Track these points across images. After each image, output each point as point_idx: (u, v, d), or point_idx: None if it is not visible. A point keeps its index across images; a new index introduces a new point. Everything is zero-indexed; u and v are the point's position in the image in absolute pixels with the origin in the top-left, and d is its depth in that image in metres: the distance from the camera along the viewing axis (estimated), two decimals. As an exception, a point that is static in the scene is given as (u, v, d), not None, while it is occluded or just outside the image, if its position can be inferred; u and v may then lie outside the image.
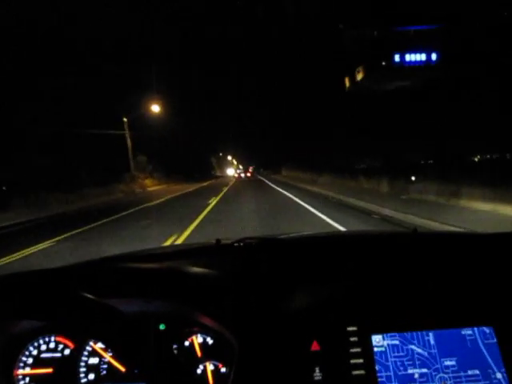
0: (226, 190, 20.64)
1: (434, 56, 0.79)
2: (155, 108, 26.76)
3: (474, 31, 0.94)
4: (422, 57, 0.79)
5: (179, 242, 5.33)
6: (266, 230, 5.62)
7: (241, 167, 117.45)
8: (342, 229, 5.65)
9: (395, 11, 0.82)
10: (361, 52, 0.85)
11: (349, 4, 0.84)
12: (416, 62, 0.79)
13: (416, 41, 0.80)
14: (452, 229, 4.77)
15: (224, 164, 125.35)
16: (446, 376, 0.76)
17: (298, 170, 31.01)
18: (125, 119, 26.08)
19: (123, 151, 27.08)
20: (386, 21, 0.83)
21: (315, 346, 0.76)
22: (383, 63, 0.80)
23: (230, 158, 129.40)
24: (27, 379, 0.91)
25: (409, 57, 0.79)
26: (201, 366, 0.89)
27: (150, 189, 29.28)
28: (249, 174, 59.73)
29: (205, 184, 32.48)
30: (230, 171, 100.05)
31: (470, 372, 0.77)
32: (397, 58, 0.78)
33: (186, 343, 0.91)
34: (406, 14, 0.81)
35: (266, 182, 29.63)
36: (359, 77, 0.86)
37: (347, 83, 0.92)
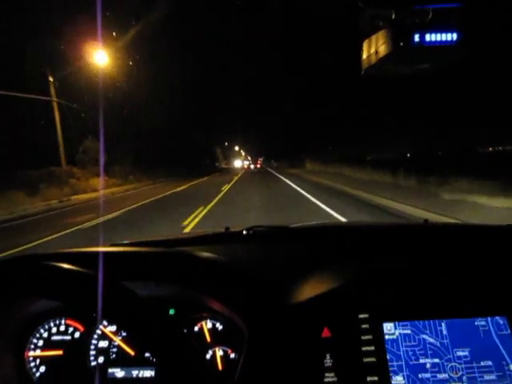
0: (220, 195, 14.07)
1: (454, 36, 0.76)
2: (99, 56, 16.52)
3: (494, 9, 0.89)
4: (443, 36, 0.76)
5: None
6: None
7: (249, 158, 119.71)
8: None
9: None
10: (378, 33, 0.82)
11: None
12: (436, 41, 0.76)
13: (435, 20, 0.76)
14: None
15: (231, 155, 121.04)
16: (458, 366, 0.75)
17: (331, 164, 25.64)
18: (51, 78, 17.12)
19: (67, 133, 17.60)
20: (403, 0, 0.79)
21: (326, 333, 0.76)
22: (401, 43, 0.77)
23: (237, 148, 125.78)
24: (38, 361, 0.93)
25: (429, 37, 0.76)
26: (210, 352, 0.90)
27: (95, 194, 18.39)
28: (258, 166, 61.45)
29: (197, 182, 25.50)
30: (238, 163, 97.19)
31: (482, 363, 0.77)
32: (416, 37, 0.75)
33: (196, 328, 0.92)
34: None
35: (292, 185, 17.41)
36: (376, 58, 0.83)
37: (363, 66, 0.89)
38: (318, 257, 0.99)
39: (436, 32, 0.75)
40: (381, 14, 0.78)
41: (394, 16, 0.77)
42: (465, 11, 0.74)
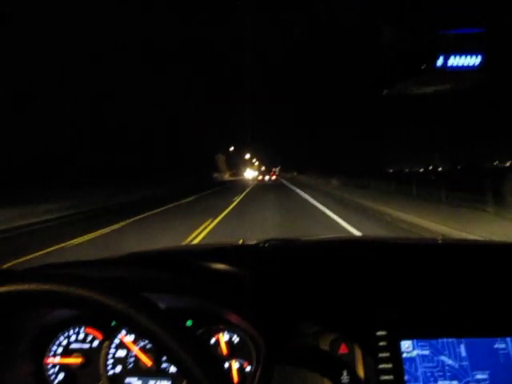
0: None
1: (477, 60, 0.77)
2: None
3: None
4: (466, 61, 0.77)
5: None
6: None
7: (262, 169, 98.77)
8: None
9: (435, 14, 0.80)
10: (400, 55, 0.84)
11: (388, 7, 0.83)
12: (458, 66, 0.78)
13: (458, 44, 0.78)
14: None
15: (240, 163, 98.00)
16: None
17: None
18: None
19: None
20: (425, 24, 0.81)
21: (343, 349, 0.76)
22: (423, 66, 0.78)
23: (248, 156, 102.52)
24: (57, 368, 0.94)
25: (451, 61, 0.77)
26: (226, 364, 0.90)
27: None
28: (274, 177, 49.62)
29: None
30: (249, 173, 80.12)
31: None
32: (439, 61, 0.76)
33: (212, 340, 0.92)
34: (447, 17, 0.79)
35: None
36: (397, 80, 0.85)
37: (384, 87, 0.91)
38: (335, 271, 0.99)
39: (459, 56, 0.76)
40: (402, 37, 0.80)
41: (415, 39, 0.79)
42: (487, 36, 0.75)
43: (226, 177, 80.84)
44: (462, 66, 0.77)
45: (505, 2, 0.84)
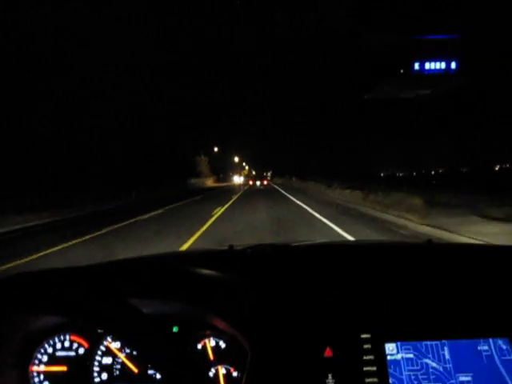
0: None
1: (453, 64, 0.79)
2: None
3: (491, 40, 0.93)
4: (442, 65, 0.79)
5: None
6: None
7: (253, 173, 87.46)
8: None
9: (412, 20, 0.82)
10: (378, 59, 0.85)
11: (366, 11, 0.85)
12: (435, 70, 0.80)
13: (434, 49, 0.80)
14: None
15: (228, 167, 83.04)
16: None
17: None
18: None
19: None
20: (403, 30, 0.83)
21: (328, 353, 0.76)
22: (401, 71, 0.80)
23: (237, 159, 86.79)
24: (42, 376, 0.92)
25: (428, 65, 0.79)
26: (213, 370, 0.89)
27: None
28: (265, 182, 44.08)
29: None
30: (237, 179, 71.77)
31: None
32: (416, 66, 0.79)
33: (199, 346, 0.92)
34: (422, 23, 0.82)
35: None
36: (377, 85, 0.86)
37: (365, 92, 0.93)
38: (321, 276, 1.00)
39: (435, 61, 0.79)
40: (380, 41, 0.82)
41: (394, 43, 0.81)
42: (462, 42, 0.78)
43: (209, 183, 63.99)
44: (440, 70, 0.79)
45: (478, 8, 0.86)
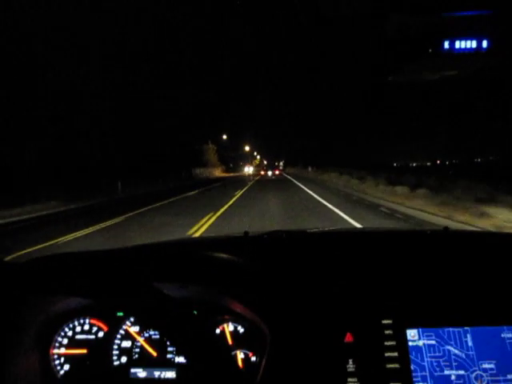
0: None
1: (484, 43, 0.76)
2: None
3: None
4: (473, 44, 0.76)
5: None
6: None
7: (265, 163, 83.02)
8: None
9: None
10: (406, 40, 0.82)
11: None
12: (466, 49, 0.76)
13: (465, 27, 0.77)
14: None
15: (238, 157, 78.39)
16: (484, 379, 0.73)
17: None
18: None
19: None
20: (431, 7, 0.79)
21: (349, 338, 0.75)
22: (430, 50, 0.77)
23: (247, 148, 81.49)
24: (62, 359, 0.95)
25: (459, 44, 0.76)
26: (231, 354, 0.90)
27: None
28: (277, 172, 41.34)
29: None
30: (248, 169, 66.99)
31: (509, 376, 0.75)
32: (446, 44, 0.75)
33: (218, 331, 0.92)
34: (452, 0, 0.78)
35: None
36: (404, 65, 0.83)
37: (390, 73, 0.90)
38: (339, 262, 0.99)
39: (466, 39, 0.75)
40: (409, 21, 0.79)
41: (421, 22, 0.77)
42: (495, 19, 0.74)
43: (217, 173, 59.40)
44: (470, 49, 0.76)
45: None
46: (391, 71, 0.89)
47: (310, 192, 14.55)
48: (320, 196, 12.37)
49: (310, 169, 36.80)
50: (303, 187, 17.47)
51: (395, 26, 0.80)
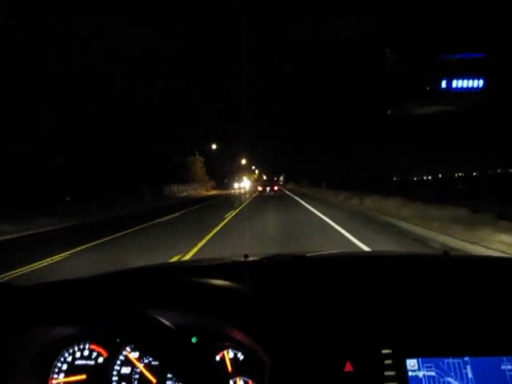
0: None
1: (480, 82, 0.81)
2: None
3: None
4: (469, 83, 0.80)
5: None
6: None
7: (264, 178, 79.51)
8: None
9: (436, 40, 0.84)
10: (404, 78, 0.87)
11: (390, 32, 0.86)
12: (463, 88, 0.81)
13: (461, 68, 0.81)
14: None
15: (233, 171, 67.52)
16: None
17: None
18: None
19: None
20: (429, 49, 0.85)
21: (348, 367, 0.75)
22: (428, 88, 0.81)
23: (244, 161, 71.99)
24: None
25: (456, 83, 0.80)
26: (231, 382, 0.89)
27: None
28: (276, 188, 36.37)
29: None
30: (241, 184, 60.84)
31: None
32: (444, 83, 0.80)
33: (217, 358, 0.92)
34: (448, 42, 0.83)
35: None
36: (402, 102, 0.88)
37: (389, 108, 0.94)
38: (339, 290, 0.99)
39: (463, 79, 0.80)
40: (407, 61, 0.83)
41: (420, 63, 0.82)
42: (487, 61, 0.79)
43: (203, 191, 49.39)
44: (466, 88, 0.80)
45: (503, 27, 0.88)
46: (390, 106, 0.93)
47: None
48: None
49: (323, 184, 29.02)
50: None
51: (392, 64, 0.85)
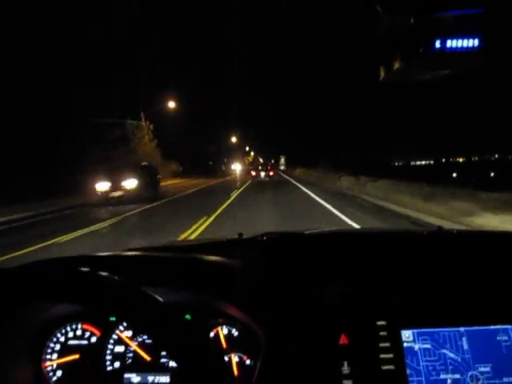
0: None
1: (476, 42, 0.75)
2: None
3: None
4: (465, 42, 0.75)
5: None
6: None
7: (260, 161, 72.58)
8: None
9: None
10: (397, 39, 0.82)
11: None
12: (457, 48, 0.76)
13: (456, 26, 0.76)
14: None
15: (230, 155, 60.80)
16: (479, 378, 0.73)
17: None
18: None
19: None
20: (423, 6, 0.79)
21: (343, 340, 0.75)
22: (421, 50, 0.77)
23: (234, 139, 61.33)
24: (55, 365, 0.93)
25: (450, 43, 0.75)
26: (226, 358, 0.90)
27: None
28: (271, 173, 31.18)
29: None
30: (237, 166, 53.53)
31: (505, 379, 0.75)
32: (437, 44, 0.75)
33: (212, 334, 0.92)
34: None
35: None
36: (395, 65, 0.83)
37: (382, 73, 0.89)
38: (334, 263, 0.99)
39: (458, 38, 0.75)
40: (399, 22, 0.78)
41: (413, 22, 0.77)
42: (487, 17, 0.74)
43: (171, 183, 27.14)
44: (462, 48, 0.75)
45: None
46: (383, 71, 0.89)
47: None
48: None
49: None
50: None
51: (386, 27, 0.80)
